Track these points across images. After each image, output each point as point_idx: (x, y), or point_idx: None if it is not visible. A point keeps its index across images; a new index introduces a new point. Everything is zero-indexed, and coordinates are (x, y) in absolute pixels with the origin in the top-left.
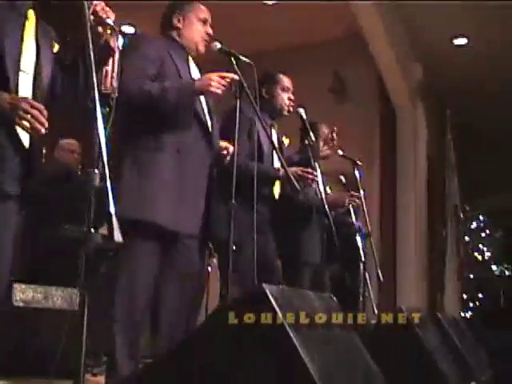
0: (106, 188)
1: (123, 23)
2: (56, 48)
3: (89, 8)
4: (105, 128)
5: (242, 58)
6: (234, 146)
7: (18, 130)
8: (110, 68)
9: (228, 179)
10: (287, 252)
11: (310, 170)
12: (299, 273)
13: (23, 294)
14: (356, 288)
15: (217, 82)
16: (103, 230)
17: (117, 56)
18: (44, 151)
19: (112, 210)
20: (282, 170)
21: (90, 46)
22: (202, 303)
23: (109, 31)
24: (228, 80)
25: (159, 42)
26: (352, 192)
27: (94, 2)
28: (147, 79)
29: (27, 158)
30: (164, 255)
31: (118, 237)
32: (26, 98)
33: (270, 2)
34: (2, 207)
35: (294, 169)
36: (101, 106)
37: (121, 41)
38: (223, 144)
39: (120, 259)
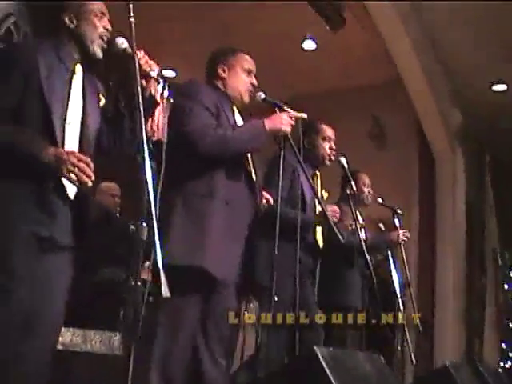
0: (154, 242)
1: (164, 67)
2: (103, 101)
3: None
4: (156, 185)
5: (286, 108)
6: (277, 193)
7: (64, 181)
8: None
9: (269, 226)
10: (330, 297)
11: (335, 208)
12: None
13: (62, 336)
14: (393, 336)
15: (286, 120)
16: (144, 274)
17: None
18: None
19: (160, 264)
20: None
21: (140, 98)
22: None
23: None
24: (296, 118)
25: (211, 91)
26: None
27: (138, 56)
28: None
29: (75, 209)
30: (206, 301)
31: (165, 292)
32: (72, 151)
33: (308, 47)
34: (54, 258)
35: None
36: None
37: (161, 84)
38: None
39: (162, 304)
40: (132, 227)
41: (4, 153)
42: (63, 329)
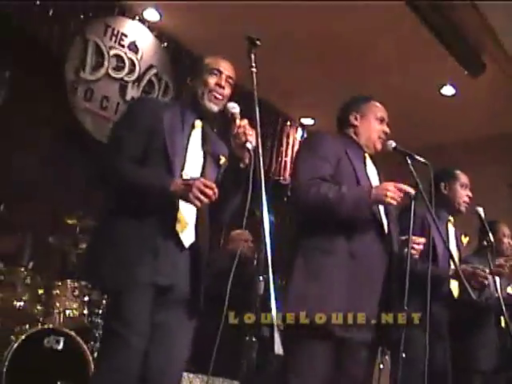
0: (270, 298)
1: (303, 116)
2: (222, 160)
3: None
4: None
5: (417, 157)
6: (407, 248)
7: (179, 230)
8: (288, 159)
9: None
10: (458, 358)
11: (481, 273)
12: (469, 380)
13: (190, 383)
14: None
15: (393, 192)
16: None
17: (296, 148)
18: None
19: (274, 321)
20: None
21: (260, 148)
22: None
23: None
24: (404, 192)
25: (336, 141)
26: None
27: (238, 123)
28: (321, 179)
29: (191, 258)
30: (333, 357)
31: (278, 349)
32: (198, 177)
33: (449, 94)
34: (174, 308)
35: (464, 266)
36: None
37: (300, 132)
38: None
39: (290, 360)
40: (259, 278)
41: (131, 191)
42: (192, 375)
